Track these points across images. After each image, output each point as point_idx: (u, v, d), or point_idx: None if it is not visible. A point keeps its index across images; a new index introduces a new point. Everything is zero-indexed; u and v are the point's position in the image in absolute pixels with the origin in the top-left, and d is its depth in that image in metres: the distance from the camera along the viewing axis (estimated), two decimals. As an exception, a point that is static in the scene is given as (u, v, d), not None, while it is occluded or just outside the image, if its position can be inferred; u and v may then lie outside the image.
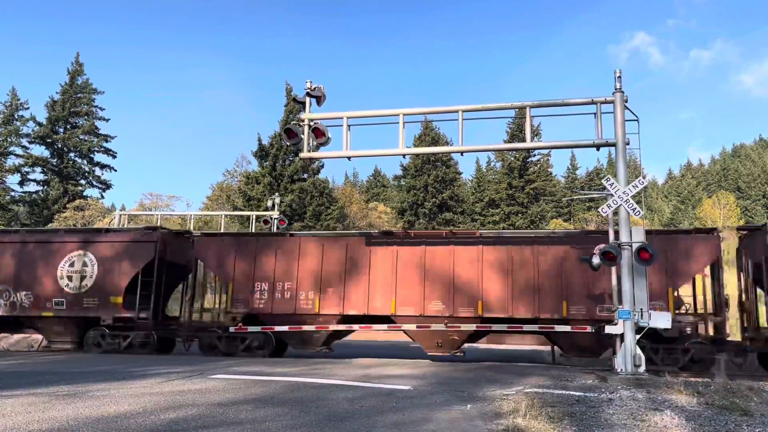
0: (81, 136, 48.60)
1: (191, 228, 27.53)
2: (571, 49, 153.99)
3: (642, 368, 11.70)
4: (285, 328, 16.17)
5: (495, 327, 15.53)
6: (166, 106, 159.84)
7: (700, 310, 15.69)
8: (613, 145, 12.81)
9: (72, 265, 17.39)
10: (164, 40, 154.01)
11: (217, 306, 18.00)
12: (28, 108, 48.72)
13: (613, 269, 12.98)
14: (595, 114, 13.07)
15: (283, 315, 16.34)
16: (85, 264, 17.32)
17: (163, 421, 6.26)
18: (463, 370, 12.93)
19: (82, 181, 49.52)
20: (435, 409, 7.46)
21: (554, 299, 15.10)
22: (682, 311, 15.44)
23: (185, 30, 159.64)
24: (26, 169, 47.09)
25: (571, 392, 9.02)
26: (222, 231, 28.32)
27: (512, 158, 59.35)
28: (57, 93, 49.08)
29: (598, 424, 6.55)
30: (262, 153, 44.69)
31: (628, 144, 12.74)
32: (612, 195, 12.49)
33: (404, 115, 13.96)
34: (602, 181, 13.41)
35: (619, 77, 12.99)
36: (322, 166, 45.59)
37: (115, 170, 54.51)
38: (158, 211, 40.30)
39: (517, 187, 58.51)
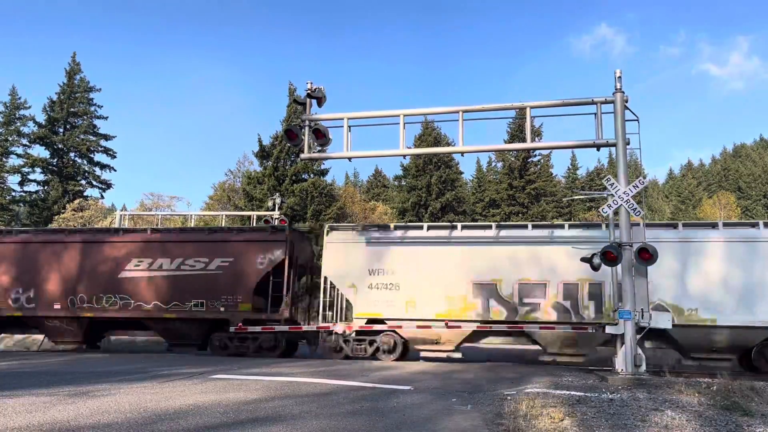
0: (80, 136, 48.54)
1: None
2: (573, 50, 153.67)
3: (643, 368, 11.67)
4: (285, 328, 16.39)
5: None
6: (168, 107, 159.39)
7: None
8: (614, 145, 12.79)
9: None
10: (165, 42, 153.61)
11: None
12: (29, 107, 48.70)
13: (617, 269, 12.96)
14: (595, 114, 13.04)
15: None
16: None
17: (164, 421, 6.27)
18: (464, 370, 12.93)
19: (83, 181, 49.42)
20: (436, 410, 7.46)
21: None
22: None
23: (186, 31, 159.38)
24: (26, 169, 47.03)
25: (573, 392, 9.02)
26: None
27: (513, 158, 59.20)
28: (56, 93, 49.09)
29: (599, 424, 6.55)
30: (263, 153, 44.62)
31: (628, 144, 12.72)
32: (612, 195, 12.48)
33: (405, 115, 13.92)
34: (603, 181, 13.39)
35: (620, 77, 12.96)
36: (329, 169, 45.50)
37: (115, 170, 54.40)
38: (159, 211, 40.25)
39: (517, 187, 58.34)
